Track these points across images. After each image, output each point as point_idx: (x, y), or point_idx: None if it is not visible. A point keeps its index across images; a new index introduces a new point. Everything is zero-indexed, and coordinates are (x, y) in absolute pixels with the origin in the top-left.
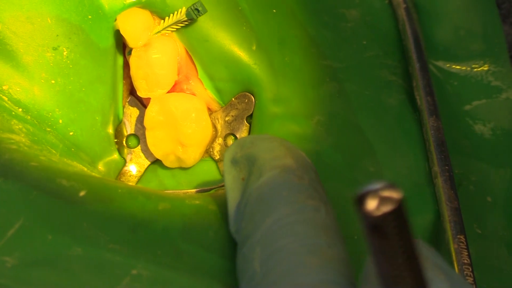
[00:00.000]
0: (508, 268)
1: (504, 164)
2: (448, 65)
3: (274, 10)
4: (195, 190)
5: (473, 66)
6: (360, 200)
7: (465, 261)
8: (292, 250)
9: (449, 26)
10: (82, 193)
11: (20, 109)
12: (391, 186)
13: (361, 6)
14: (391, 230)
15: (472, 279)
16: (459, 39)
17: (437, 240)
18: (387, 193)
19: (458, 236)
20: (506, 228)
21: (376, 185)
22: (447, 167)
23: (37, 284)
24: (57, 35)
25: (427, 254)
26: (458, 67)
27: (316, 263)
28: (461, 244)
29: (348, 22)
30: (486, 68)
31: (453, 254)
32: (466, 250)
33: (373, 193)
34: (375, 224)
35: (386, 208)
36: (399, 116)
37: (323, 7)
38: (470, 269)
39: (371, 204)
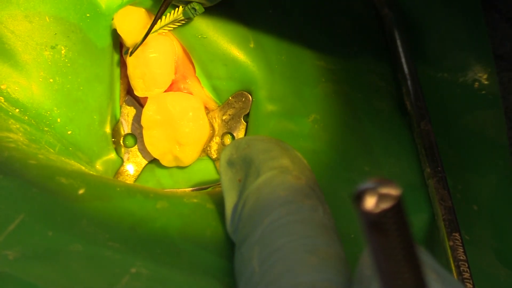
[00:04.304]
0: (498, 273)
1: (488, 173)
2: (434, 75)
3: (270, 11)
4: (192, 189)
5: (460, 76)
6: (359, 198)
7: (461, 258)
8: (290, 249)
9: (435, 37)
10: (81, 191)
11: (17, 110)
12: (389, 182)
13: (350, 15)
14: (390, 227)
15: (468, 274)
16: (445, 49)
17: (432, 239)
18: (385, 190)
19: (454, 234)
20: (493, 236)
21: (375, 182)
22: (439, 168)
23: (37, 277)
24: (55, 34)
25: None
26: (444, 77)
27: (315, 262)
28: (456, 241)
29: (339, 28)
30: (472, 78)
31: (449, 251)
32: (461, 247)
33: (372, 190)
34: (374, 221)
35: (385, 205)
36: (390, 120)
37: (316, 12)
38: (466, 265)
39: (370, 202)
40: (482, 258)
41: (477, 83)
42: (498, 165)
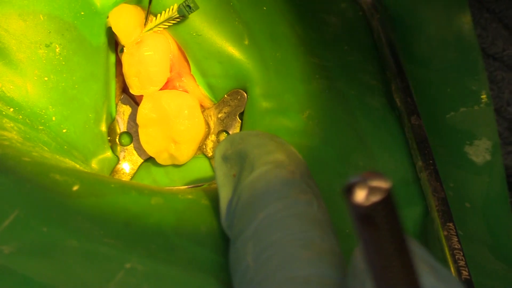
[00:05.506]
0: (495, 267)
1: (480, 171)
2: (423, 74)
3: (264, 8)
4: (188, 186)
5: (448, 74)
6: (349, 191)
7: (456, 246)
8: (285, 244)
9: (423, 36)
10: (75, 188)
11: (12, 109)
12: (379, 175)
13: (338, 14)
14: (380, 220)
15: (464, 262)
16: (433, 48)
17: (426, 232)
18: (375, 183)
19: (448, 224)
20: (486, 232)
21: (364, 175)
22: (431, 161)
23: (33, 272)
24: (50, 32)
25: (411, 248)
26: (433, 76)
27: (309, 256)
28: (450, 231)
29: (329, 26)
30: (461, 76)
31: (444, 240)
32: (455, 236)
33: (362, 183)
34: (364, 215)
35: (375, 198)
36: (383, 117)
37: (307, 10)
38: (461, 253)
39: (360, 195)
40: (477, 253)
41: (465, 81)
42: (489, 162)
